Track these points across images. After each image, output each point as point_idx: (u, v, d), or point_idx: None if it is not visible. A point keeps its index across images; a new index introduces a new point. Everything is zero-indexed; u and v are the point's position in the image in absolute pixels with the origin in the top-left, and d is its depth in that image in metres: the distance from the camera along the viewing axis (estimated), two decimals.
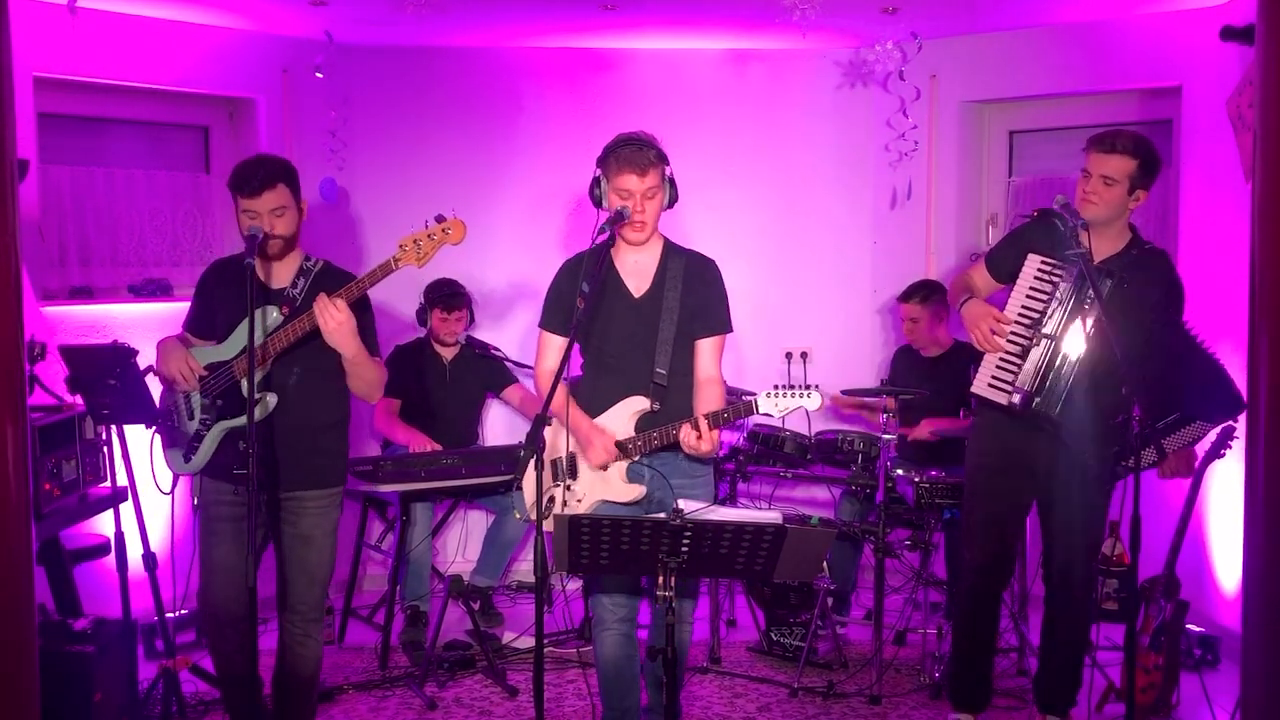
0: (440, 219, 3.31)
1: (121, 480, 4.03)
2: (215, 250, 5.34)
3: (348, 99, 5.47)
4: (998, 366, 3.68)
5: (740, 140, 5.75)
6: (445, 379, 5.22)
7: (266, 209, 3.31)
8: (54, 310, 4.70)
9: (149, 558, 3.96)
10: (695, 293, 3.46)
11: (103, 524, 4.23)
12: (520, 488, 3.48)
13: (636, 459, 3.37)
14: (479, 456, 4.82)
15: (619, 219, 3.31)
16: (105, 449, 4.06)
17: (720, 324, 3.51)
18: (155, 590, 3.97)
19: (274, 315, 3.38)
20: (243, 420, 3.34)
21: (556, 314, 3.50)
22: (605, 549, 2.85)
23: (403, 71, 5.61)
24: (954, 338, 5.06)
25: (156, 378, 3.51)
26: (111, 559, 3.91)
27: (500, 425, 5.65)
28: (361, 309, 3.37)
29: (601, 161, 3.38)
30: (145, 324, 4.72)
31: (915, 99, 5.32)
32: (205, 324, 3.54)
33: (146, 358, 3.71)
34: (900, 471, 4.46)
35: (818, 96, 5.73)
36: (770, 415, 3.31)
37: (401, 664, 4.63)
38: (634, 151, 3.33)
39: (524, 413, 5.36)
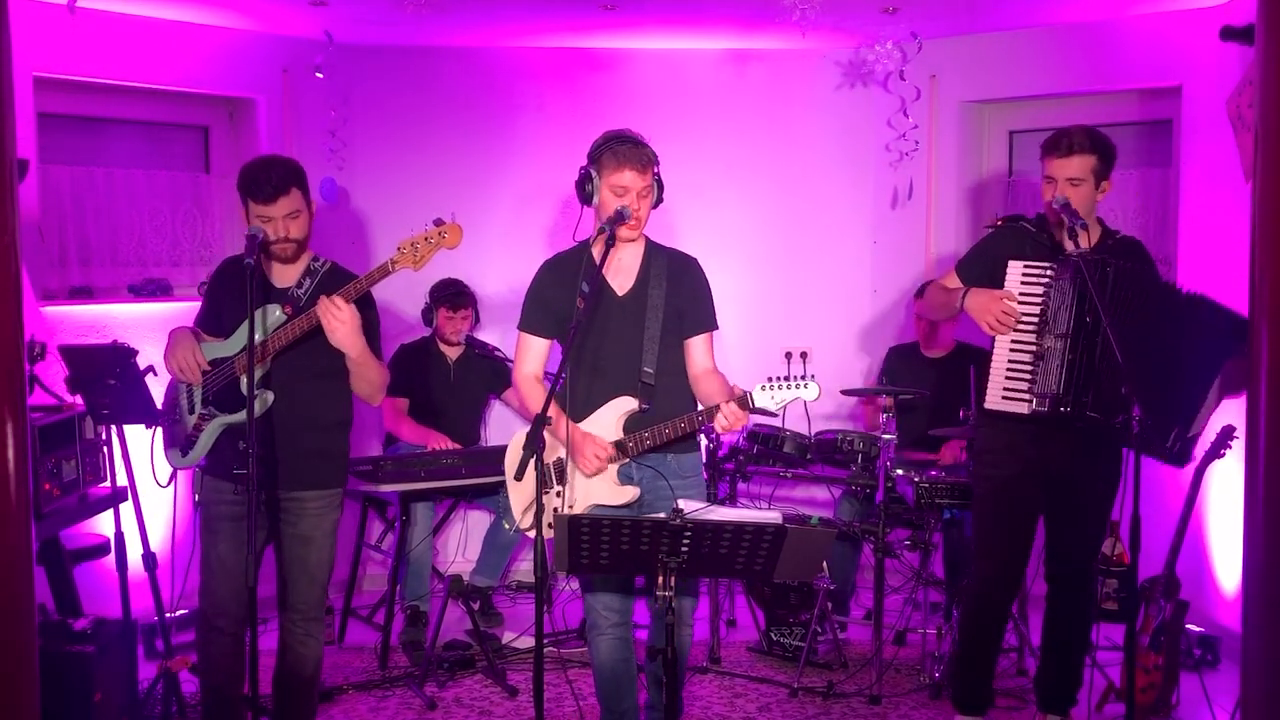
0: (439, 222, 3.30)
1: (121, 480, 4.04)
2: (215, 250, 5.34)
3: (348, 99, 5.47)
4: (1007, 377, 3.63)
5: (740, 140, 5.75)
6: (450, 378, 5.23)
7: (281, 214, 3.32)
8: (54, 310, 4.70)
9: (149, 558, 3.97)
10: (681, 292, 3.44)
11: (103, 524, 4.23)
12: (505, 495, 3.47)
13: (629, 460, 3.36)
14: (479, 456, 4.82)
15: (620, 219, 3.28)
16: (105, 449, 4.07)
17: (709, 321, 3.50)
18: (155, 590, 3.97)
19: (276, 314, 3.38)
20: (239, 416, 3.35)
21: (536, 315, 3.47)
22: (605, 549, 2.85)
23: (403, 71, 5.61)
24: (955, 339, 5.06)
25: (164, 365, 3.51)
26: (111, 559, 3.91)
27: (502, 426, 5.64)
28: (365, 305, 3.37)
29: (594, 158, 3.35)
30: (145, 324, 4.73)
31: (915, 99, 5.32)
32: (213, 321, 3.54)
33: (146, 358, 3.71)
34: (900, 471, 4.46)
35: (818, 96, 5.73)
36: (767, 409, 3.28)
37: (401, 664, 4.63)
38: (633, 149, 3.31)
39: (524, 416, 5.35)
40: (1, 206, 2.41)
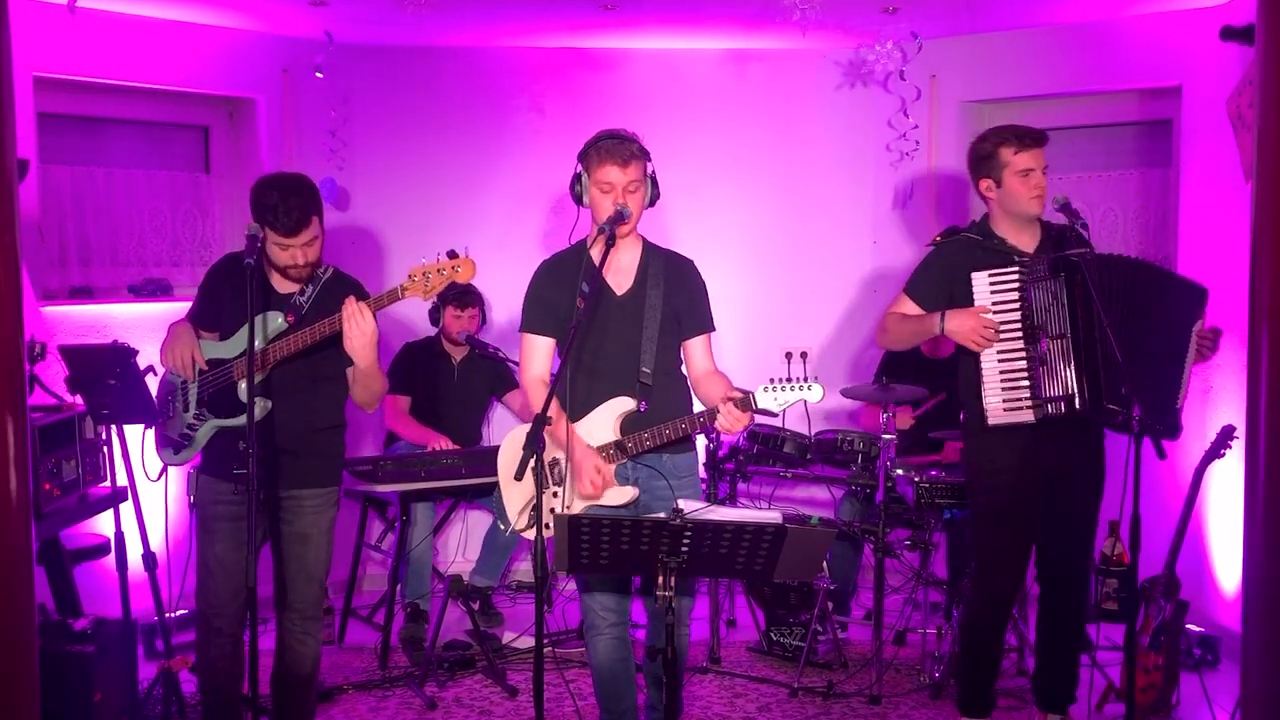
0: (452, 254, 3.31)
1: (121, 480, 4.03)
2: (215, 250, 5.34)
3: (348, 99, 5.47)
4: (1005, 389, 3.59)
5: (740, 140, 5.75)
6: (453, 378, 5.23)
7: (300, 244, 3.32)
8: (54, 310, 4.70)
9: (149, 558, 3.97)
10: (679, 293, 3.44)
11: (103, 524, 4.23)
12: (499, 496, 3.47)
13: (627, 460, 3.36)
14: (479, 456, 4.82)
15: (619, 219, 3.29)
16: (105, 449, 4.06)
17: (707, 323, 3.51)
18: (155, 590, 3.97)
19: (278, 321, 3.38)
20: (235, 421, 3.35)
21: (537, 316, 3.47)
22: (605, 549, 2.85)
23: (403, 71, 5.61)
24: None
25: (159, 358, 3.50)
26: (111, 559, 3.91)
27: (503, 426, 5.64)
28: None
29: (582, 157, 3.36)
30: (145, 324, 4.72)
31: (915, 99, 5.31)
32: (210, 317, 3.54)
33: (146, 358, 3.71)
34: (900, 471, 4.46)
35: (818, 96, 5.73)
36: (770, 410, 3.28)
37: (401, 664, 4.63)
38: (616, 144, 3.31)
39: (524, 418, 5.34)
40: (1, 206, 2.41)
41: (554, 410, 3.15)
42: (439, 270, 3.29)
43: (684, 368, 3.52)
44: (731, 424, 3.22)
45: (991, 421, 3.61)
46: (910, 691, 4.33)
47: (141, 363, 3.72)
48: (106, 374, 3.66)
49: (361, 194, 5.61)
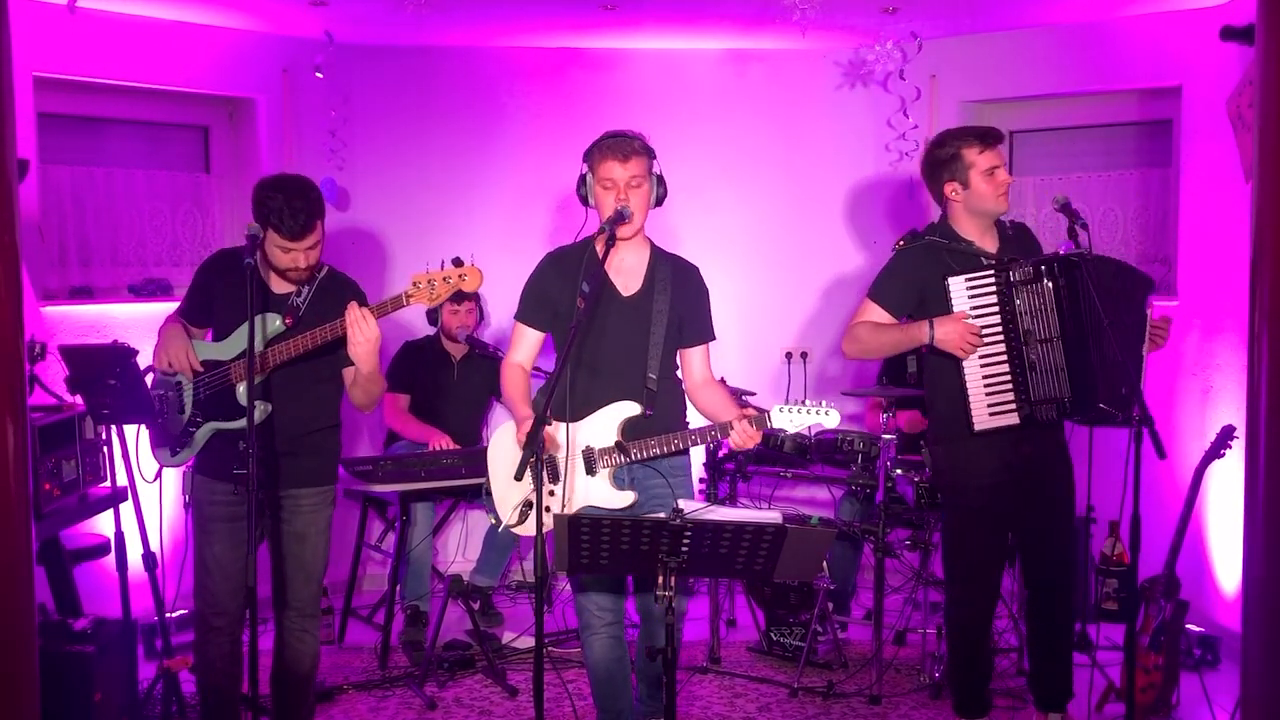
0: (458, 263, 3.31)
1: (121, 480, 4.03)
2: (214, 250, 5.33)
3: (348, 99, 5.47)
4: (989, 393, 3.58)
5: (740, 140, 5.75)
6: (453, 377, 5.23)
7: (303, 248, 3.32)
8: (54, 310, 4.70)
9: (149, 558, 3.97)
10: (685, 299, 3.46)
11: (103, 524, 4.23)
12: (489, 492, 3.48)
13: (626, 463, 3.36)
14: (479, 456, 4.78)
15: (619, 218, 3.29)
16: (105, 449, 4.06)
17: (708, 332, 3.54)
18: (155, 590, 3.97)
19: (276, 323, 3.37)
20: (233, 424, 3.35)
21: (532, 308, 3.48)
22: (605, 549, 2.85)
23: (403, 71, 5.61)
24: None
25: (153, 360, 3.50)
26: (111, 559, 3.91)
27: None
28: None
29: (587, 156, 3.39)
30: (145, 324, 4.70)
31: (915, 99, 5.32)
32: (202, 315, 3.53)
33: (146, 358, 3.71)
34: (900, 471, 4.46)
35: (818, 96, 5.72)
36: (785, 430, 3.28)
37: (401, 664, 4.63)
38: (617, 141, 3.34)
39: (506, 405, 5.35)
40: (1, 206, 2.41)
41: (519, 389, 3.16)
42: (444, 278, 3.28)
43: (679, 373, 3.54)
44: (744, 441, 3.24)
45: (979, 427, 3.60)
46: (910, 691, 4.33)
47: (141, 363, 3.71)
48: (106, 374, 3.65)
49: (361, 194, 5.61)
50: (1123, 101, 5.27)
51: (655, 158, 3.39)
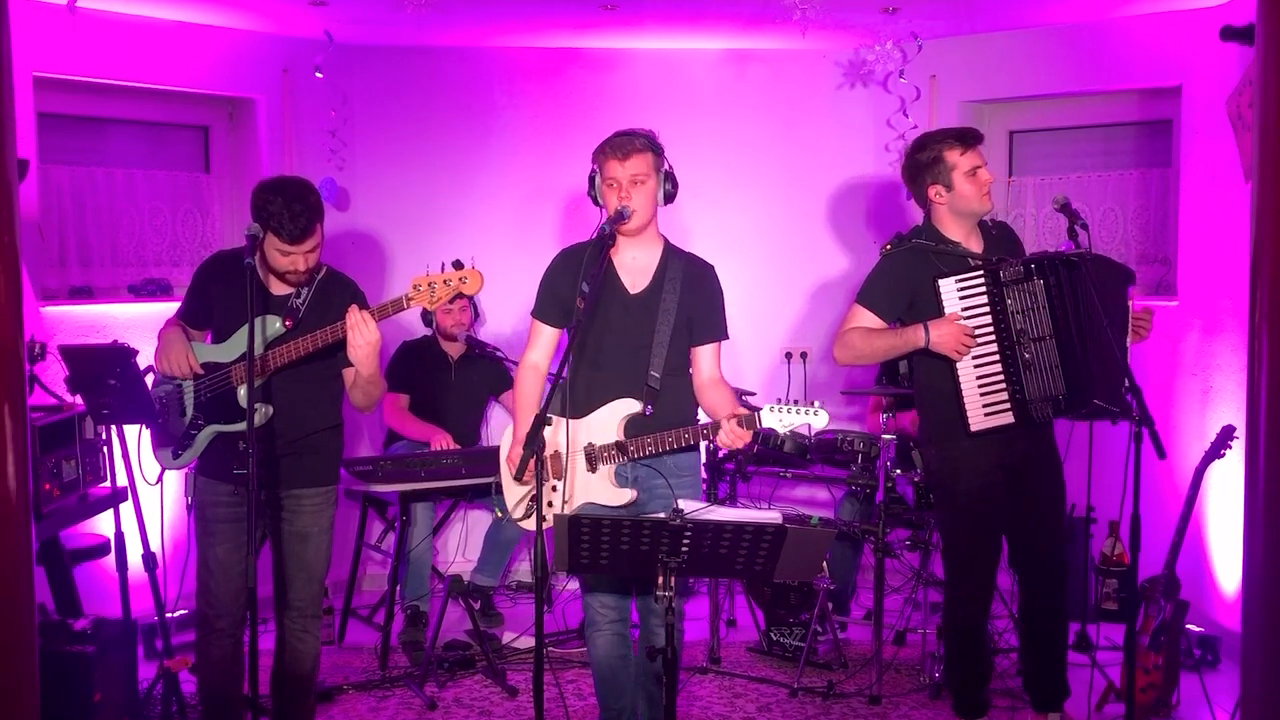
0: (458, 265, 3.30)
1: (121, 480, 4.04)
2: (214, 250, 5.33)
3: (348, 99, 5.47)
4: (983, 394, 3.59)
5: (740, 140, 5.75)
6: (450, 377, 5.23)
7: (303, 252, 3.32)
8: (54, 310, 4.70)
9: (149, 558, 3.97)
10: (695, 298, 3.45)
11: (103, 524, 4.23)
12: (499, 488, 3.49)
13: (628, 461, 3.36)
14: (479, 456, 4.82)
15: (620, 218, 3.31)
16: (105, 449, 4.06)
17: (720, 330, 3.53)
18: (155, 590, 3.97)
19: (276, 326, 3.37)
20: (235, 427, 3.35)
21: (547, 303, 3.50)
22: (605, 549, 2.85)
23: (403, 71, 5.61)
24: None
25: (154, 364, 3.50)
26: (111, 559, 3.91)
27: (502, 426, 5.64)
28: None
29: (594, 156, 3.42)
30: (145, 324, 4.72)
31: (915, 99, 5.32)
32: (201, 318, 3.53)
33: (146, 358, 3.71)
34: (900, 471, 4.46)
35: (818, 96, 5.73)
36: (775, 431, 3.28)
37: (401, 664, 4.63)
38: (619, 139, 3.37)
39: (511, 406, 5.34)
40: (1, 206, 2.41)
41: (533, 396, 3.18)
42: (445, 281, 3.27)
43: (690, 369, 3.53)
44: (732, 441, 3.22)
45: (975, 428, 3.60)
46: (910, 691, 4.33)
47: (141, 363, 3.71)
48: (106, 374, 3.65)
49: (361, 194, 5.61)
50: (1123, 101, 5.27)
51: (662, 154, 3.40)
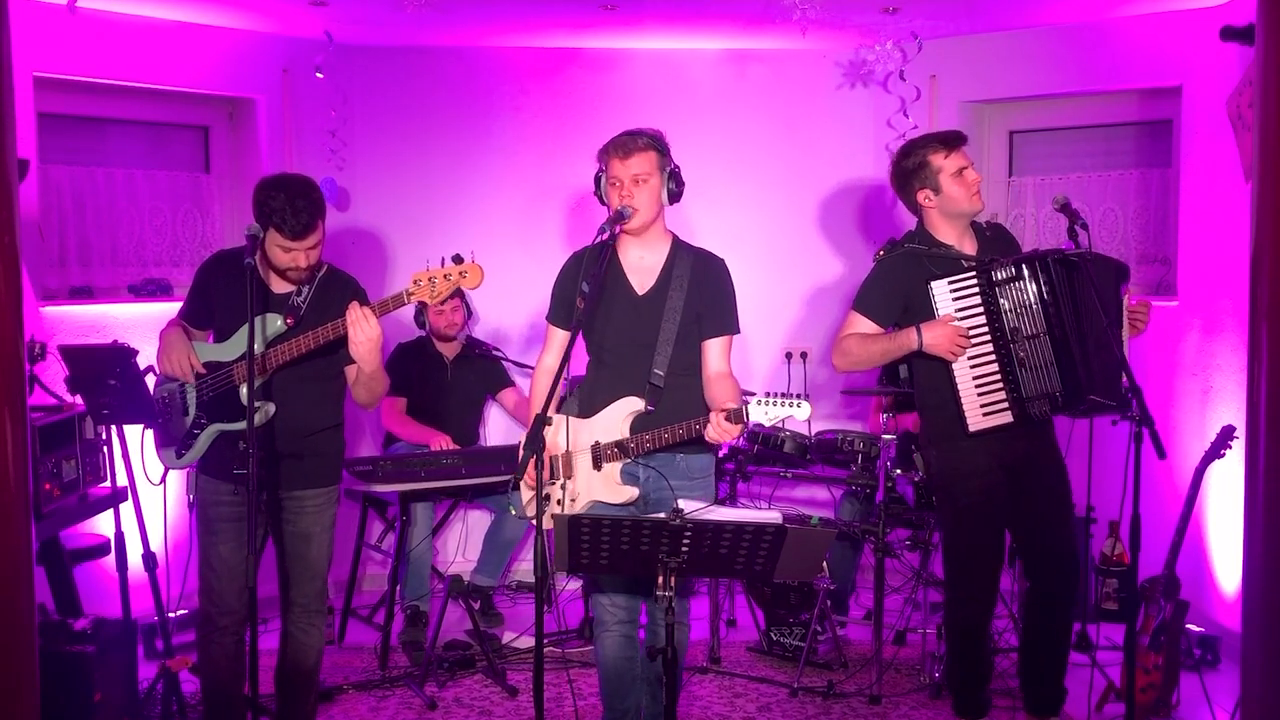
0: (458, 260, 3.29)
1: (121, 480, 4.04)
2: (214, 250, 5.33)
3: (348, 99, 5.47)
4: (981, 394, 3.59)
5: (740, 140, 5.75)
6: (447, 378, 5.23)
7: (304, 248, 3.32)
8: (54, 310, 4.70)
9: (149, 558, 3.97)
10: (703, 293, 3.45)
11: (103, 524, 4.23)
12: (517, 488, 3.49)
13: (632, 460, 3.36)
14: (479, 456, 4.82)
15: (619, 218, 3.31)
16: (105, 449, 4.07)
17: (729, 325, 3.50)
18: (155, 590, 3.98)
19: (277, 324, 3.37)
20: (237, 426, 3.35)
21: (559, 307, 3.52)
22: (605, 549, 2.85)
23: (403, 71, 5.61)
24: None
25: (157, 365, 3.51)
26: (111, 559, 3.92)
27: (501, 425, 5.65)
28: None
29: (599, 156, 3.43)
30: (145, 324, 4.72)
31: (915, 99, 5.32)
32: (203, 317, 3.53)
33: (146, 358, 3.71)
34: (900, 471, 4.46)
35: (818, 96, 5.73)
36: (762, 424, 3.27)
37: (401, 664, 4.63)
38: (622, 138, 3.38)
39: (517, 417, 5.34)
40: (1, 206, 2.41)
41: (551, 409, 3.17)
42: (445, 276, 3.27)
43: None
44: (719, 435, 3.20)
45: (973, 428, 3.60)
46: (910, 691, 4.33)
47: (141, 363, 3.72)
48: (106, 374, 3.66)
49: (361, 194, 5.61)
50: (1123, 101, 5.27)
51: (667, 153, 3.41)
